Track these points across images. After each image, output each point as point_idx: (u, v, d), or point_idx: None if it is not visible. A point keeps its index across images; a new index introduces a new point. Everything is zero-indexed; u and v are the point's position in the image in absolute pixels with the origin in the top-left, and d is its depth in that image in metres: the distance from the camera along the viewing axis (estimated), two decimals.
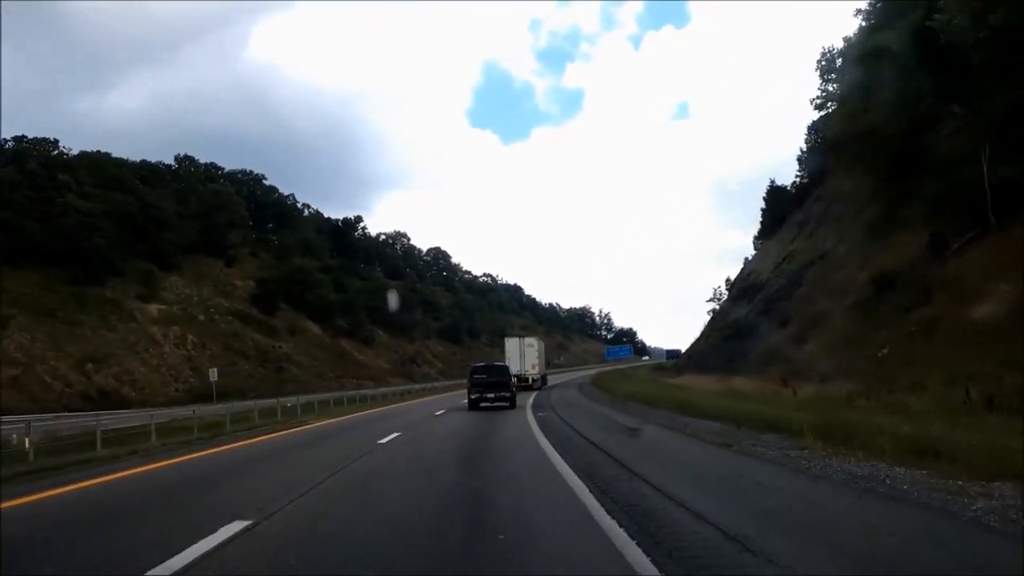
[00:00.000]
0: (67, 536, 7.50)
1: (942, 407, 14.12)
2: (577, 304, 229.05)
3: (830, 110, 48.41)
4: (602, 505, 7.86)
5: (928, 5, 28.02)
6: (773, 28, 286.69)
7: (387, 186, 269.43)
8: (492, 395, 31.47)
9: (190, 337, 68.46)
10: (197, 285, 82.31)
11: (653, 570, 5.23)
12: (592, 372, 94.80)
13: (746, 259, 73.58)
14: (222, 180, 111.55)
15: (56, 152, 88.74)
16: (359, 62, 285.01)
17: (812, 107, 57.77)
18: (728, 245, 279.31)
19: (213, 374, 49.35)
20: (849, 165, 41.80)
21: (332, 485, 10.47)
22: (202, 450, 17.18)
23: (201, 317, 74.59)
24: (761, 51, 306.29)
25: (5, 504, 9.35)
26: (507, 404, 31.26)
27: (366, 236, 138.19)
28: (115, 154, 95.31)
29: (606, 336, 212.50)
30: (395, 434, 18.85)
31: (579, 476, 10.05)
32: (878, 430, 10.61)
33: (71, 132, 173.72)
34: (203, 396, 52.02)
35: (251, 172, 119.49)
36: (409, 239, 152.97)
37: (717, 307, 77.16)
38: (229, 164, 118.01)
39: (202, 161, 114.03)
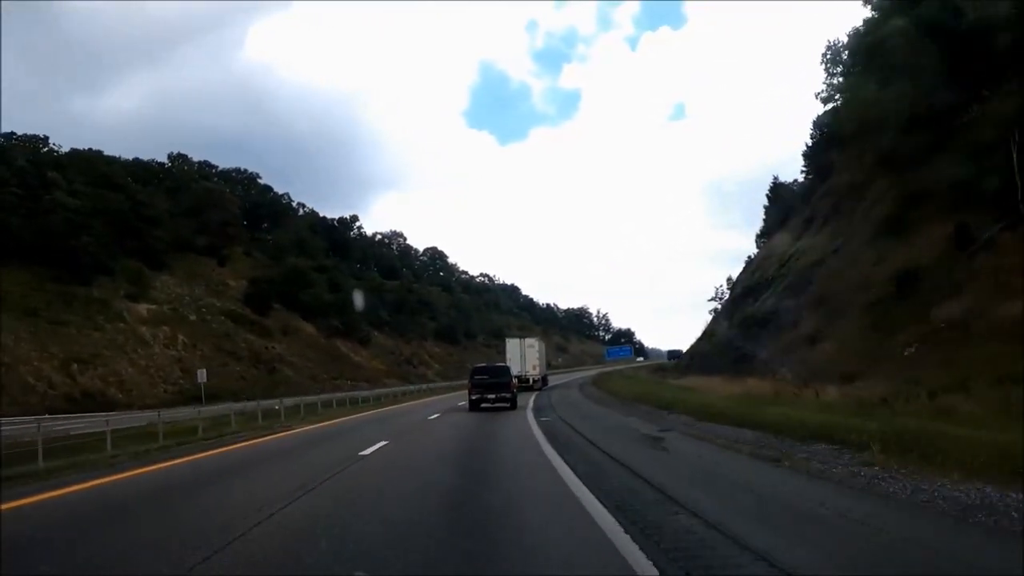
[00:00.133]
0: None
1: (993, 410, 12.62)
2: (575, 304, 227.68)
3: (838, 103, 47.06)
4: (648, 556, 5.69)
5: None
6: (770, 28, 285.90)
7: (383, 187, 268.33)
8: (493, 396, 31.22)
9: (180, 337, 66.79)
10: (189, 284, 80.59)
11: None
12: (592, 373, 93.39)
13: (749, 258, 72.21)
14: (216, 179, 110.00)
15: (46, 149, 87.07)
16: (356, 62, 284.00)
17: (819, 101, 56.98)
18: (726, 245, 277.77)
19: (202, 375, 47.83)
20: (859, 158, 40.39)
21: (273, 527, 7.59)
22: (154, 463, 14.96)
23: (192, 317, 72.95)
24: (758, 51, 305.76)
25: None
26: (508, 405, 31.01)
27: (362, 236, 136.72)
28: (109, 153, 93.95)
29: (604, 337, 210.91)
30: (380, 444, 16.65)
31: (604, 505, 7.92)
32: (955, 441, 9.02)
33: (66, 132, 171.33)
34: (193, 398, 50.45)
35: (245, 171, 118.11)
36: (405, 239, 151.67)
37: (719, 307, 75.80)
38: (224, 164, 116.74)
39: (196, 160, 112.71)
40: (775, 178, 72.63)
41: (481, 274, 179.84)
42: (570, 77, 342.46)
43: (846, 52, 48.02)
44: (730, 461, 11.62)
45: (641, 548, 5.99)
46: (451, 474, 11.89)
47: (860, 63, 39.48)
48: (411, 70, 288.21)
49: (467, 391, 32.27)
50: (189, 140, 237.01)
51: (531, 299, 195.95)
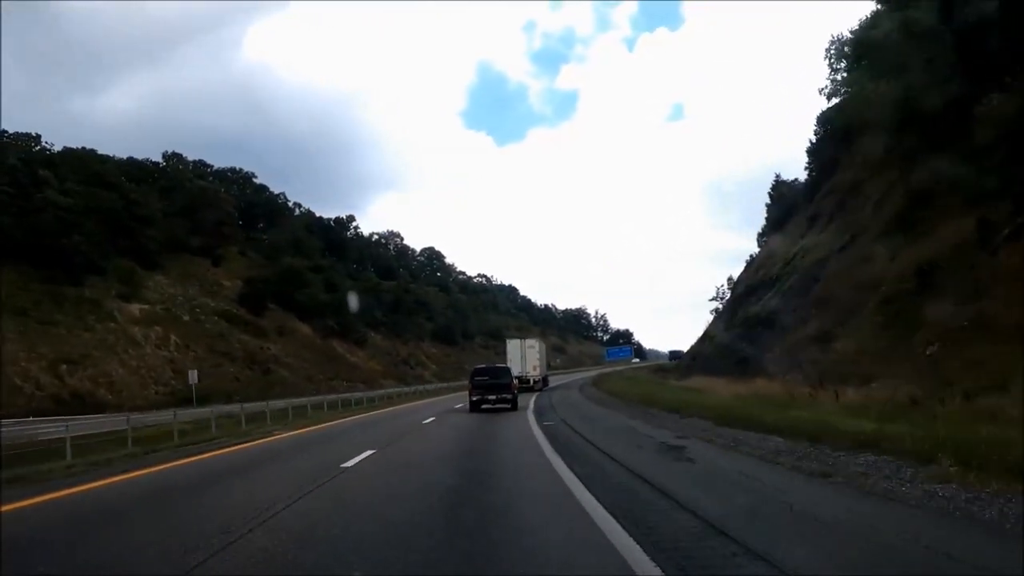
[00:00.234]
0: None
1: None
2: (573, 305, 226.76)
3: (842, 98, 46.08)
4: None
5: None
6: (767, 29, 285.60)
7: (381, 188, 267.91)
8: (493, 397, 31.15)
9: (173, 338, 65.61)
10: (182, 284, 79.46)
11: None
12: (591, 374, 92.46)
13: (751, 256, 71.12)
14: (211, 178, 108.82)
15: (38, 148, 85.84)
16: (354, 63, 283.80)
17: (822, 97, 56.17)
18: (725, 246, 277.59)
19: (193, 376, 46.75)
20: (866, 153, 39.41)
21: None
22: (109, 476, 13.18)
23: (186, 317, 71.77)
24: (756, 52, 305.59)
25: None
26: (508, 406, 30.93)
27: (359, 236, 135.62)
28: (108, 154, 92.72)
29: (602, 337, 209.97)
30: (367, 453, 15.00)
31: (634, 538, 6.44)
32: None
33: (65, 132, 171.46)
34: (185, 400, 49.50)
35: (241, 170, 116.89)
36: (402, 239, 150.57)
37: (720, 307, 74.76)
38: (222, 165, 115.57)
39: (191, 159, 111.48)
40: (777, 176, 71.63)
41: (479, 274, 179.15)
42: (568, 78, 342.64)
43: (850, 47, 47.29)
44: (774, 477, 9.88)
45: None
46: (441, 494, 9.79)
47: (866, 56, 38.44)
48: (409, 71, 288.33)
49: (465, 392, 31.79)
50: (187, 140, 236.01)
51: (529, 299, 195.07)
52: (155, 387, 56.90)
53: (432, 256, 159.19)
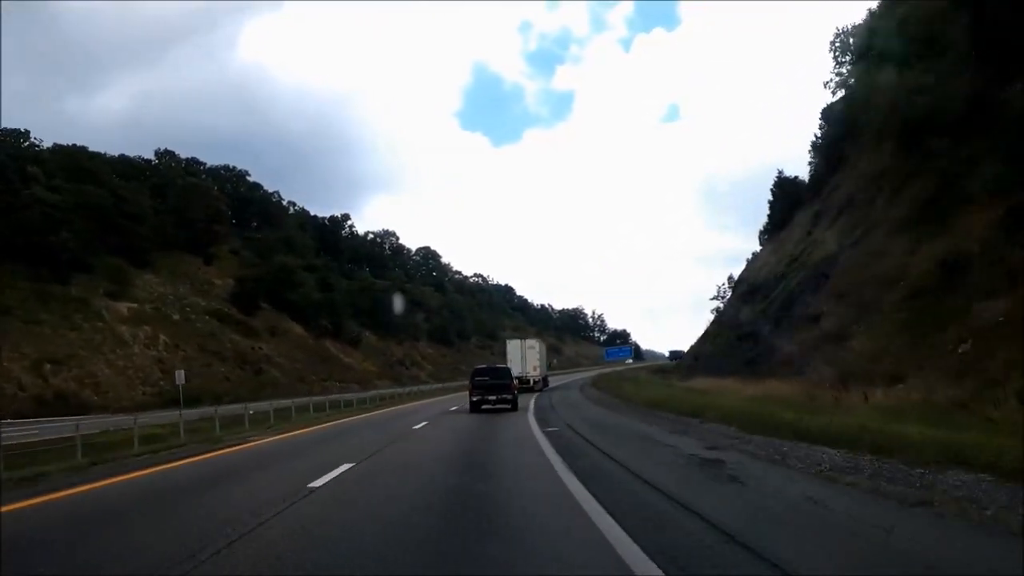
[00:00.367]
0: None
1: None
2: (570, 305, 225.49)
3: (851, 88, 44.83)
4: None
5: None
6: (764, 29, 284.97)
7: (376, 188, 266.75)
8: (494, 397, 31.09)
9: (162, 337, 64.12)
10: (173, 283, 78.02)
11: None
12: (590, 375, 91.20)
13: (753, 254, 69.66)
14: (203, 176, 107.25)
15: (27, 144, 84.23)
16: (349, 63, 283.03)
17: (827, 91, 55.21)
18: (721, 246, 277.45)
19: (180, 376, 44.96)
20: (878, 145, 38.09)
21: None
22: (24, 499, 10.62)
23: (176, 316, 70.28)
24: (752, 52, 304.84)
25: None
26: (508, 406, 30.82)
27: (353, 235, 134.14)
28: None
29: (599, 338, 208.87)
30: (343, 468, 12.63)
31: None
32: None
33: (56, 132, 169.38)
34: (173, 400, 48.05)
35: (234, 168, 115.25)
36: (398, 238, 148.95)
37: (721, 306, 73.38)
38: (215, 163, 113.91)
39: (183, 156, 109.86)
40: (779, 172, 70.05)
41: (475, 274, 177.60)
42: (563, 78, 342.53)
43: (864, 35, 46.03)
44: (856, 505, 7.59)
45: None
46: (422, 536, 7.37)
47: (883, 44, 37.13)
48: (404, 71, 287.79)
49: (461, 393, 30.58)
50: (182, 140, 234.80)
51: (525, 300, 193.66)
52: (143, 388, 55.39)
53: (428, 255, 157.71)
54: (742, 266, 73.62)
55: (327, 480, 11.30)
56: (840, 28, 53.41)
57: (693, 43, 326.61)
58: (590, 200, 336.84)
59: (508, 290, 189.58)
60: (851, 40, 50.61)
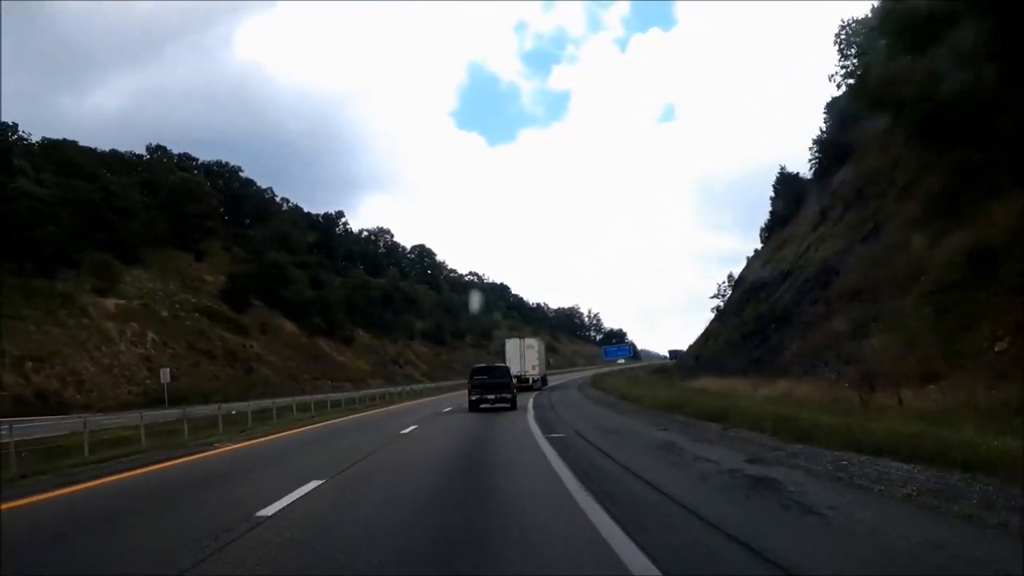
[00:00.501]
0: None
1: None
2: (565, 304, 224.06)
3: (854, 83, 43.47)
4: None
5: None
6: (760, 29, 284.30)
7: (371, 188, 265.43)
8: (493, 396, 31.02)
9: (150, 335, 62.46)
10: (163, 279, 76.38)
11: None
12: (587, 374, 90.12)
13: (755, 251, 68.33)
14: (196, 171, 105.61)
15: (15, 137, 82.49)
16: (344, 63, 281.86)
17: (833, 84, 53.80)
18: (717, 246, 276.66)
19: (164, 375, 43.82)
20: (890, 135, 36.77)
21: None
22: None
23: (164, 313, 68.64)
24: (748, 53, 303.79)
25: None
26: (507, 405, 30.82)
27: (347, 232, 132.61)
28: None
29: (595, 337, 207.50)
30: (310, 486, 10.52)
31: None
32: None
33: (50, 130, 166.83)
34: (159, 400, 46.63)
35: (227, 164, 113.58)
36: (392, 236, 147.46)
37: (722, 304, 72.09)
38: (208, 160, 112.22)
39: (176, 152, 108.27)
40: (782, 168, 68.74)
41: (470, 272, 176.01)
42: (559, 78, 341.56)
43: (870, 27, 44.74)
44: (999, 551, 5.76)
45: None
46: None
47: (892, 32, 35.76)
48: (400, 71, 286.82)
49: (455, 393, 29.55)
50: (179, 139, 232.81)
51: (521, 298, 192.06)
52: (128, 386, 53.76)
53: (422, 253, 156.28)
54: (738, 265, 72.52)
55: (283, 506, 8.99)
56: (845, 20, 52.40)
57: (689, 43, 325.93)
58: (586, 200, 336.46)
59: (503, 288, 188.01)
60: (860, 30, 49.53)
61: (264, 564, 6.31)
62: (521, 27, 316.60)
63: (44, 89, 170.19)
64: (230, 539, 7.22)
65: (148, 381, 53.45)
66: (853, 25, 51.80)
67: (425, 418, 28.00)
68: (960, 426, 10.68)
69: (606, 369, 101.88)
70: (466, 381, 34.55)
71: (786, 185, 64.98)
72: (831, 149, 53.96)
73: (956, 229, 24.14)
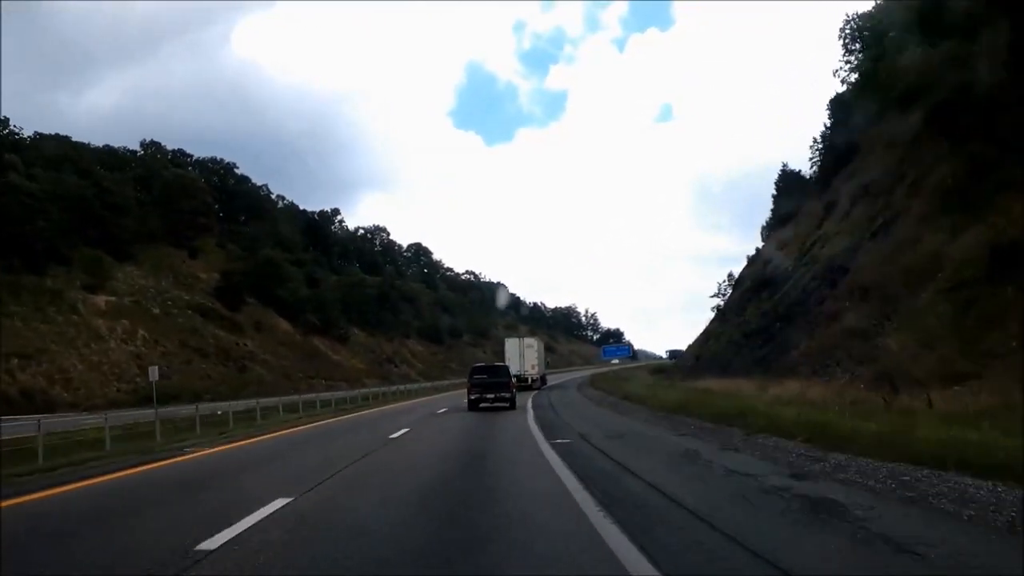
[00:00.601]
0: None
1: None
2: (562, 304, 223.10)
3: (868, 71, 42.53)
4: None
5: None
6: (758, 29, 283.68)
7: (368, 187, 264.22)
8: (492, 396, 30.78)
9: (141, 332, 61.40)
10: (155, 276, 75.33)
11: None
12: (584, 374, 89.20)
13: (756, 250, 67.38)
14: (191, 168, 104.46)
15: (6, 132, 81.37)
16: (342, 62, 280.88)
17: (838, 79, 53.14)
18: (714, 247, 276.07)
19: (153, 372, 42.10)
20: (898, 128, 35.85)
21: None
22: None
23: (156, 311, 67.59)
24: (746, 53, 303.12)
25: None
26: (507, 405, 30.58)
27: (343, 230, 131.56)
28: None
29: (592, 337, 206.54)
30: (270, 507, 8.62)
31: None
32: None
33: (45, 128, 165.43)
34: (148, 398, 45.53)
35: (222, 160, 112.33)
36: (388, 234, 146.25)
37: (722, 303, 71.20)
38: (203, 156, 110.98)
39: (170, 148, 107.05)
40: (784, 165, 68.03)
41: (467, 271, 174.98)
42: (557, 78, 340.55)
43: (879, 20, 43.90)
44: None
45: None
46: None
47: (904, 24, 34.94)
48: (398, 70, 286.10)
49: (452, 393, 28.59)
50: (175, 138, 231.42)
51: (518, 298, 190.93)
52: (117, 384, 52.72)
53: (419, 251, 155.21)
54: (735, 265, 71.78)
55: (232, 535, 7.19)
56: (851, 15, 51.57)
57: (687, 43, 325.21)
58: (583, 199, 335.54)
59: (500, 287, 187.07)
60: (868, 24, 48.66)
61: None
62: (519, 27, 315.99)
63: (41, 87, 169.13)
64: None
65: (138, 379, 52.28)
66: (859, 19, 51.19)
67: (417, 420, 26.44)
68: (1014, 432, 9.66)
69: (603, 369, 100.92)
70: (463, 381, 34.05)
71: (788, 183, 64.19)
72: (835, 146, 53.13)
73: (973, 224, 23.18)
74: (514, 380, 35.00)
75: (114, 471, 13.78)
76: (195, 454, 17.00)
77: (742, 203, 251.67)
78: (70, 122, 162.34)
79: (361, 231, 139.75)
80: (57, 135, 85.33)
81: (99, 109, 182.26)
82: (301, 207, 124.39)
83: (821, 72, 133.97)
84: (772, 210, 66.06)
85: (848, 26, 52.92)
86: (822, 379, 24.21)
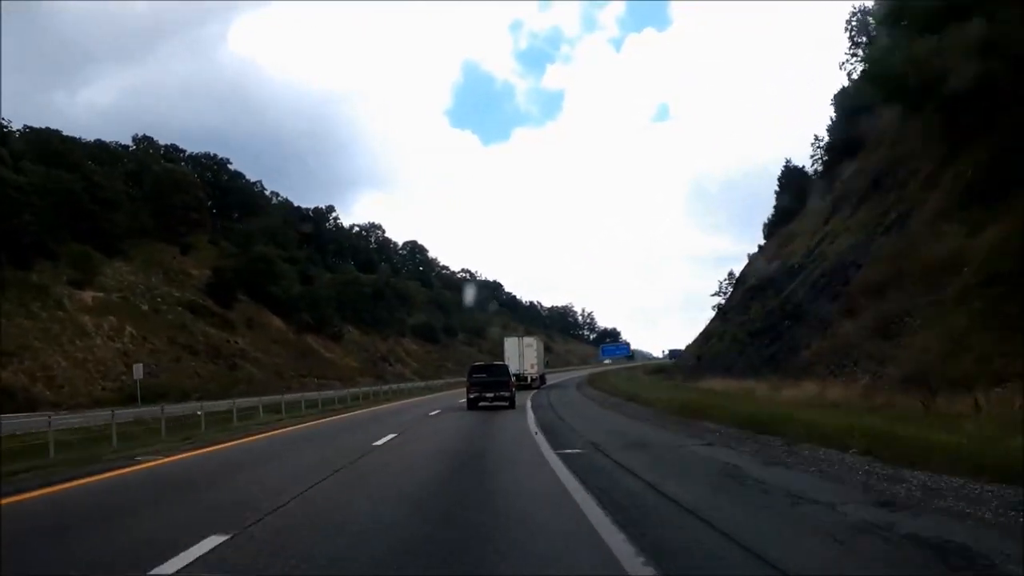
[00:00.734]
0: None
1: None
2: (559, 303, 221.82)
3: (877, 61, 41.26)
4: None
5: None
6: (756, 29, 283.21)
7: (364, 186, 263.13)
8: (491, 395, 30.72)
9: (128, 329, 59.83)
10: (145, 272, 73.70)
11: None
12: (581, 374, 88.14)
13: (758, 247, 66.19)
14: (184, 163, 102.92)
15: None
16: (339, 61, 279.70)
17: (844, 72, 52.17)
18: (711, 246, 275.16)
19: (138, 370, 41.25)
20: (909, 119, 34.69)
21: None
22: None
23: (145, 307, 66.03)
24: (743, 53, 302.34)
25: None
26: (506, 404, 30.43)
27: (338, 227, 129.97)
28: None
29: (589, 336, 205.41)
30: (206, 545, 6.79)
31: None
32: None
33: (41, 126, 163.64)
34: (133, 396, 44.18)
35: (215, 156, 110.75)
36: (384, 231, 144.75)
37: (723, 302, 70.01)
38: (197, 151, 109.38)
39: (163, 143, 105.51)
40: (787, 161, 66.85)
41: (462, 269, 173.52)
42: (554, 78, 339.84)
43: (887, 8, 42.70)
44: None
45: None
46: None
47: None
48: (395, 69, 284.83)
49: (447, 393, 27.78)
50: (173, 136, 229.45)
51: (514, 296, 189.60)
52: (102, 382, 51.19)
53: (414, 249, 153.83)
54: (732, 265, 70.58)
55: None
56: (856, 6, 50.47)
57: (684, 43, 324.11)
58: (580, 199, 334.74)
59: (496, 286, 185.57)
60: (878, 13, 47.53)
61: None
62: (516, 26, 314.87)
63: (38, 86, 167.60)
64: None
65: (124, 377, 50.76)
66: (867, 9, 50.02)
67: (408, 423, 24.42)
68: None
69: (600, 369, 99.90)
70: (458, 380, 33.16)
71: (791, 180, 63.03)
72: (840, 141, 51.98)
73: (996, 218, 21.89)
74: (513, 379, 34.90)
75: (30, 489, 11.46)
76: (144, 465, 14.64)
77: (739, 203, 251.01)
78: (68, 120, 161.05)
79: (356, 228, 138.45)
80: (47, 129, 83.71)
81: (96, 107, 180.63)
82: (296, 204, 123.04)
83: (819, 72, 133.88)
84: (775, 207, 64.85)
85: (855, 17, 52.00)
86: (841, 380, 22.90)
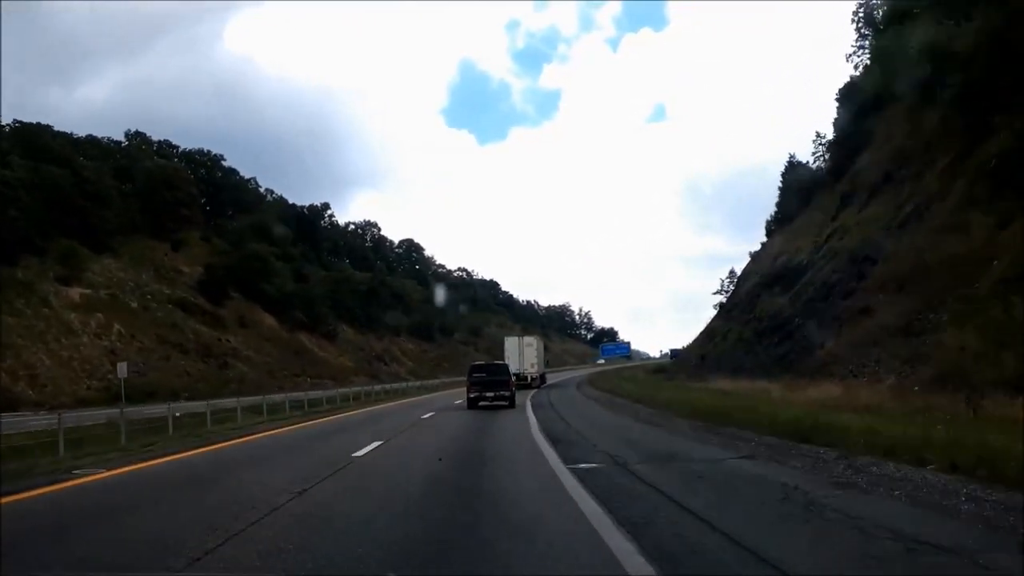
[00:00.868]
0: None
1: None
2: (556, 302, 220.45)
3: (889, 52, 40.03)
4: None
5: None
6: (753, 29, 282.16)
7: (360, 185, 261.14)
8: (491, 394, 30.45)
9: (116, 327, 58.29)
10: (135, 269, 72.08)
11: None
12: (580, 374, 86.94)
13: (761, 245, 64.87)
14: (176, 159, 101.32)
15: None
16: (335, 60, 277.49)
17: (851, 65, 51.34)
18: (707, 246, 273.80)
19: (122, 369, 39.65)
20: (923, 110, 33.45)
21: None
22: None
23: (134, 304, 64.51)
24: (741, 53, 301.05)
25: None
26: (506, 403, 30.21)
27: (333, 225, 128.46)
28: None
29: (586, 336, 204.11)
30: None
31: None
32: None
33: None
34: (129, 396, 42.74)
35: (208, 152, 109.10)
36: (379, 229, 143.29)
37: (725, 301, 68.76)
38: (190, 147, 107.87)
39: (156, 139, 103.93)
40: (791, 156, 65.68)
41: (459, 268, 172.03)
42: (551, 77, 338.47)
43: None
44: None
45: None
46: None
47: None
48: (391, 68, 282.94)
49: (442, 393, 26.68)
50: (170, 135, 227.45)
51: (511, 296, 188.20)
52: (88, 381, 49.72)
53: (411, 248, 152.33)
54: (729, 265, 69.32)
55: None
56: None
57: (681, 43, 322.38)
58: (576, 198, 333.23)
59: (493, 285, 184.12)
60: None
61: None
62: (513, 26, 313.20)
63: (35, 83, 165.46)
64: None
65: (110, 376, 49.13)
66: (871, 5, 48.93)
67: (396, 429, 21.73)
68: None
69: (597, 369, 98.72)
70: (454, 380, 31.94)
71: (796, 176, 61.81)
72: (845, 135, 50.73)
73: (1018, 213, 20.57)
74: (513, 379, 34.63)
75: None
76: (76, 481, 12.19)
77: (736, 203, 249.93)
78: (64, 117, 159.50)
79: (352, 226, 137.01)
80: (38, 123, 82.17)
81: (92, 104, 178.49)
82: (290, 201, 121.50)
83: (816, 71, 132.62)
84: (778, 204, 63.56)
85: (862, 9, 50.83)
86: (862, 380, 21.57)
